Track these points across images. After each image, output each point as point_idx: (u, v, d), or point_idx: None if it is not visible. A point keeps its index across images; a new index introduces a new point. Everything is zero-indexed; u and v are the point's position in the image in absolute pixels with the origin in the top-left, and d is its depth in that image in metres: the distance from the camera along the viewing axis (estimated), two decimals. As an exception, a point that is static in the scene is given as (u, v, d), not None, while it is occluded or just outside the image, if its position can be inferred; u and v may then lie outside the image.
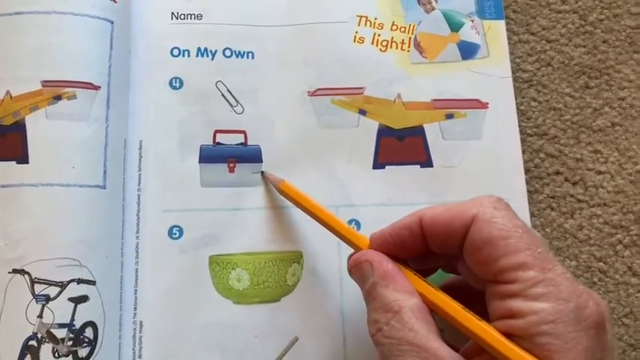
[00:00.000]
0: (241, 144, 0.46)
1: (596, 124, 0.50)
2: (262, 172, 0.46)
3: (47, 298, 0.39)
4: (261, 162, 0.46)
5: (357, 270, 0.36)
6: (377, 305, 0.34)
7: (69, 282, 0.39)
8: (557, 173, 0.49)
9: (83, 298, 0.40)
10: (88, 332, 0.39)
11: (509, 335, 0.31)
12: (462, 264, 0.35)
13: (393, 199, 0.46)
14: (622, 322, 0.46)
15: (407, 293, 0.34)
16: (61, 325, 0.39)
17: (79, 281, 0.40)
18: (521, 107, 0.50)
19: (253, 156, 0.46)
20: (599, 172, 0.49)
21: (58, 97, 0.42)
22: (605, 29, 0.52)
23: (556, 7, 0.52)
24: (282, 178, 0.44)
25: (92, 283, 0.40)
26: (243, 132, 0.46)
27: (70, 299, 0.39)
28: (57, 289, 0.39)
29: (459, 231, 0.33)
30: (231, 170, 0.46)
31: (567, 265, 0.47)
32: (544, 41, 0.51)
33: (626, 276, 0.47)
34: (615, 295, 0.47)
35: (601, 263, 0.47)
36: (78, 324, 0.39)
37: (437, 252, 0.36)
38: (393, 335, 0.32)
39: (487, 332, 0.31)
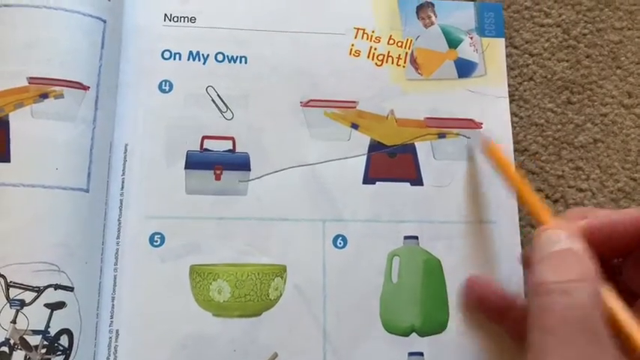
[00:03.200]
0: (229, 151, 0.45)
1: (577, 140, 0.49)
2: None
3: (22, 304, 0.38)
4: (249, 170, 0.45)
5: (545, 232, 0.35)
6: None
7: (46, 287, 0.38)
8: (538, 190, 0.48)
9: (60, 305, 0.39)
10: (63, 340, 0.38)
11: None
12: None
13: (382, 216, 0.45)
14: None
15: None
16: (36, 332, 0.38)
17: (57, 287, 0.39)
18: (502, 122, 0.49)
19: (241, 164, 0.45)
20: (581, 190, 0.48)
21: (44, 95, 0.41)
22: (589, 44, 0.51)
23: (539, 20, 0.52)
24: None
25: (70, 289, 0.39)
26: (232, 139, 0.46)
27: (47, 305, 0.38)
28: (33, 295, 0.38)
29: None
30: (218, 178, 0.45)
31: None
32: (527, 55, 0.51)
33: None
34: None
35: (583, 284, 0.47)
36: (53, 331, 0.38)
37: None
38: None
39: None
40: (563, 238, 0.33)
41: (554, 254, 0.33)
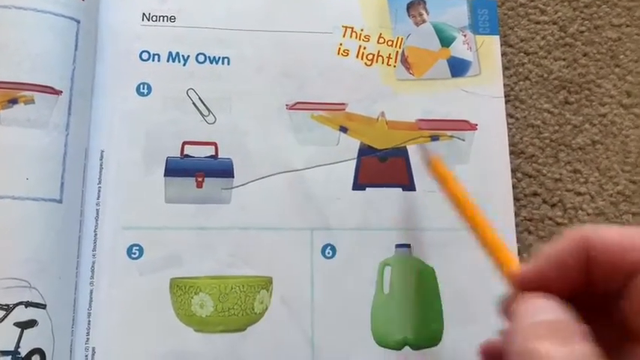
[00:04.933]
0: (211, 157, 0.43)
1: (575, 142, 0.48)
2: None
3: (-10, 323, 0.36)
4: (233, 177, 0.43)
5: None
6: None
7: (16, 305, 0.36)
8: (535, 194, 0.47)
9: (31, 323, 0.37)
10: (35, 360, 0.36)
11: None
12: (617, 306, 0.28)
13: (372, 224, 0.43)
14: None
15: None
16: (5, 353, 0.36)
17: (27, 304, 0.37)
18: (498, 124, 0.47)
19: (224, 170, 0.43)
20: (579, 194, 0.47)
21: (13, 101, 0.39)
22: (586, 41, 0.50)
23: (535, 17, 0.50)
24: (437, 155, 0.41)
25: (42, 306, 0.37)
26: (214, 144, 0.44)
27: (16, 324, 0.36)
28: (1, 313, 0.36)
29: (630, 268, 0.26)
30: (199, 185, 0.43)
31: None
32: (522, 53, 0.49)
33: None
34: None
35: (581, 291, 0.45)
36: (24, 351, 0.36)
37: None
38: None
39: None
40: (549, 308, 0.28)
41: (540, 325, 0.28)
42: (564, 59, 0.49)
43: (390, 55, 0.46)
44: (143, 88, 0.44)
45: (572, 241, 0.27)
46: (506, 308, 0.28)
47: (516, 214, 0.45)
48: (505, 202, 0.45)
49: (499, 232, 0.44)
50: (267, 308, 0.41)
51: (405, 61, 0.46)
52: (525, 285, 0.28)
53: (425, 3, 0.47)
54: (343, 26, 0.46)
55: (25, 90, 0.39)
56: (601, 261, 0.26)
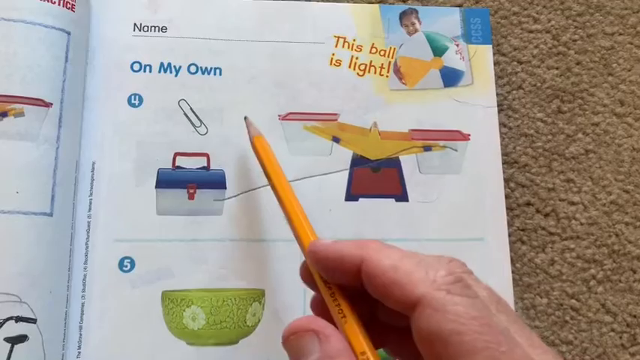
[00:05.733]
0: (203, 168, 0.43)
1: (569, 151, 0.47)
2: (246, 117, 0.43)
3: (-20, 338, 0.36)
4: (225, 188, 0.43)
5: (296, 340, 0.29)
6: None
7: (6, 320, 0.36)
8: (528, 204, 0.46)
9: (21, 338, 0.36)
10: (25, 376, 0.36)
11: None
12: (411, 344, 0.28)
13: (365, 234, 0.43)
14: (595, 362, 0.44)
15: None
16: (-5, 369, 0.36)
17: (18, 319, 0.36)
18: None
19: (216, 181, 0.43)
20: (572, 203, 0.47)
21: (3, 114, 0.39)
22: (579, 50, 0.50)
23: (528, 26, 0.50)
24: (261, 133, 0.41)
25: (33, 321, 0.37)
26: (206, 155, 0.43)
27: (7, 339, 0.36)
28: (-8, 328, 0.36)
29: (401, 305, 0.27)
30: (191, 197, 0.43)
31: (538, 302, 0.44)
32: (515, 62, 0.49)
33: (600, 314, 0.45)
34: (588, 334, 0.45)
35: (573, 300, 0.45)
36: (14, 367, 0.36)
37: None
38: None
39: None
40: (317, 349, 0.28)
41: None
42: (557, 68, 0.49)
43: (382, 65, 0.46)
44: (134, 99, 0.43)
45: (353, 257, 0.29)
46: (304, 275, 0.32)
47: (509, 224, 0.45)
48: (498, 211, 0.45)
49: (492, 242, 0.44)
50: (259, 321, 0.41)
51: (397, 71, 0.46)
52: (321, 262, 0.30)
53: (417, 12, 0.47)
54: (335, 36, 0.46)
55: (15, 103, 0.39)
56: (376, 290, 0.28)
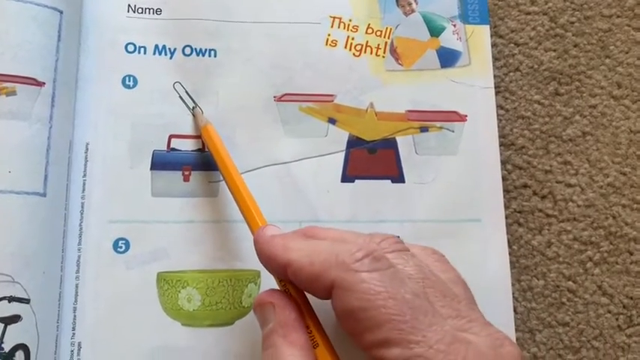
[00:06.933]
0: (198, 150, 0.43)
1: (566, 133, 0.47)
2: (194, 107, 0.43)
3: (-28, 318, 0.35)
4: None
5: (260, 310, 0.34)
6: (269, 354, 0.32)
7: (-1, 300, 0.36)
8: (525, 186, 0.46)
9: (14, 318, 0.36)
10: (19, 356, 0.36)
11: None
12: None
13: (361, 216, 0.43)
14: (591, 344, 0.44)
15: (303, 350, 0.31)
16: (-13, 349, 0.35)
17: (11, 299, 0.36)
18: (488, 115, 0.47)
19: (211, 163, 0.43)
20: (569, 185, 0.46)
21: (-5, 93, 0.38)
22: (577, 32, 0.49)
23: (525, 8, 0.49)
24: (209, 121, 0.42)
25: (26, 301, 0.36)
26: (201, 137, 0.43)
27: (0, 319, 0.36)
28: (-16, 309, 0.35)
29: (323, 294, 0.30)
30: (186, 179, 0.42)
31: (535, 284, 0.44)
32: (512, 44, 0.49)
33: (596, 295, 0.45)
34: (585, 315, 0.44)
35: (570, 282, 0.45)
36: (7, 347, 0.36)
37: None
38: None
39: None
40: (273, 318, 0.33)
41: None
42: (555, 50, 0.49)
43: (378, 45, 0.46)
44: (129, 81, 0.43)
45: (279, 261, 0.32)
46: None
47: (506, 206, 0.45)
48: (495, 193, 0.44)
49: (489, 224, 0.44)
50: (255, 302, 0.41)
51: (394, 52, 0.46)
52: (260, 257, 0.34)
53: (414, -7, 0.47)
54: (331, 17, 0.46)
55: (7, 81, 0.38)
56: (304, 288, 0.33)
